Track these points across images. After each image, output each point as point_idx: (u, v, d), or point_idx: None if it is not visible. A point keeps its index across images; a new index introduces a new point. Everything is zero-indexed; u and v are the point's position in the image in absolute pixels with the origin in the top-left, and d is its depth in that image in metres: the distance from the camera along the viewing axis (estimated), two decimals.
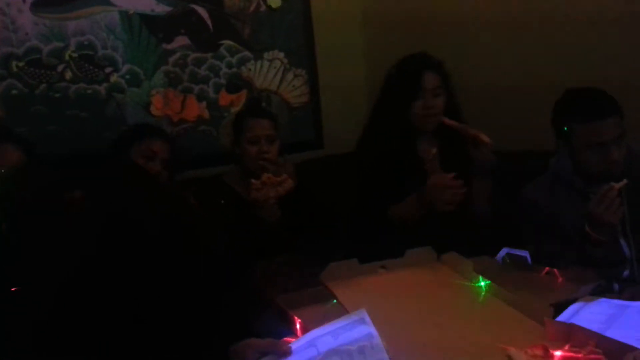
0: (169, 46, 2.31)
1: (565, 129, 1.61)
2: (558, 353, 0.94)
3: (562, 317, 1.07)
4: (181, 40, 2.33)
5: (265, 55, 2.52)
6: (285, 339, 0.98)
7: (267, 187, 1.86)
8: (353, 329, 0.96)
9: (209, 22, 2.38)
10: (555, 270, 1.26)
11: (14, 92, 2.04)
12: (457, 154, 1.81)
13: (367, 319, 0.98)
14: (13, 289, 0.61)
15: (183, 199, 1.45)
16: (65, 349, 0.61)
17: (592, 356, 0.92)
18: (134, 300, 0.63)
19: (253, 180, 1.86)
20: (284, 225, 1.94)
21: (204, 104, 2.41)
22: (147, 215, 0.67)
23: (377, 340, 0.94)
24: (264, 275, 1.81)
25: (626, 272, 1.58)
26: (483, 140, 1.70)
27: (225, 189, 2.04)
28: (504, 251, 1.56)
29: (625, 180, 1.49)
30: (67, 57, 2.12)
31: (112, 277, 0.62)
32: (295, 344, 0.94)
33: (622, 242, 1.58)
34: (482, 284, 1.25)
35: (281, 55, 2.56)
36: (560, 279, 1.22)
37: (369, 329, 0.96)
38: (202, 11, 2.36)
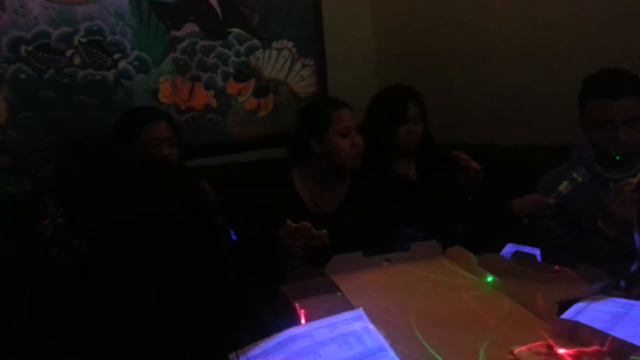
0: (178, 33, 2.30)
1: (581, 104, 1.62)
2: (562, 351, 0.93)
3: (567, 314, 1.06)
4: (190, 28, 2.32)
5: (274, 44, 2.52)
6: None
7: (301, 237, 1.60)
8: (350, 323, 0.97)
9: (218, 9, 2.37)
10: (565, 268, 1.25)
11: (23, 76, 2.04)
12: (432, 172, 2.16)
13: (364, 316, 0.98)
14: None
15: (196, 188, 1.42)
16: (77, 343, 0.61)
17: (596, 351, 0.92)
18: (149, 290, 0.63)
19: (288, 222, 1.61)
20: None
21: (212, 92, 2.41)
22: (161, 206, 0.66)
23: (375, 331, 0.94)
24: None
25: (635, 267, 1.55)
26: (474, 167, 1.97)
27: (288, 192, 1.91)
28: (509, 247, 1.54)
29: None
30: (75, 42, 2.11)
31: (122, 271, 0.62)
32: (289, 332, 0.94)
33: (636, 235, 1.56)
34: (488, 279, 1.25)
35: (290, 44, 2.55)
36: (568, 277, 1.21)
37: (366, 324, 0.96)
38: None
